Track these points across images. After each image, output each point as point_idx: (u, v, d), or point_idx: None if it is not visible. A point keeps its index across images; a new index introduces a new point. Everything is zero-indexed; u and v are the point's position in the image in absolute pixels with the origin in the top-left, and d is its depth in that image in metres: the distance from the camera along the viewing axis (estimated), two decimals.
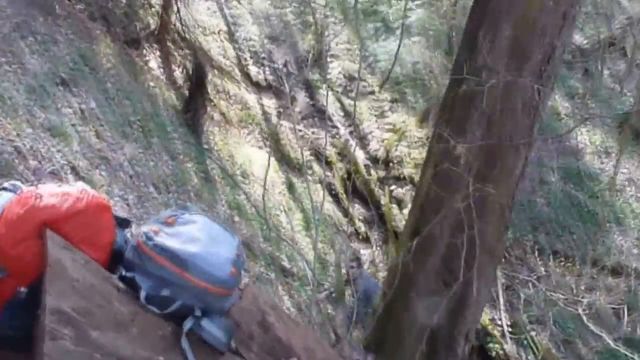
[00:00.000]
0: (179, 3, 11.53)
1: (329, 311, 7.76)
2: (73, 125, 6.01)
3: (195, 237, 2.18)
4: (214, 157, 9.46)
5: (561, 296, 10.38)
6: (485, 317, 10.73)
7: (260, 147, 11.89)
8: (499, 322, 10.85)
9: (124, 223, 2.39)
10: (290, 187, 11.28)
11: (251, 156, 11.08)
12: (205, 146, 9.68)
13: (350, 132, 13.98)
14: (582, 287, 11.05)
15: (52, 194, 2.06)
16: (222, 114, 11.54)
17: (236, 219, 8.27)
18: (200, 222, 2.28)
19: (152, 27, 11.65)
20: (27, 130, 4.49)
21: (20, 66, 6.13)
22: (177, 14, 11.59)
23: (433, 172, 4.60)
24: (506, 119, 4.23)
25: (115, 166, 5.99)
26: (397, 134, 13.98)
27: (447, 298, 4.57)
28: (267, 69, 14.53)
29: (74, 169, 4.48)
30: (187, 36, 12.12)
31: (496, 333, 10.68)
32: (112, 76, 8.71)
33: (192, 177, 8.15)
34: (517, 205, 12.63)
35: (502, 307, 10.95)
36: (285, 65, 14.97)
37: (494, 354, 10.42)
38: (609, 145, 13.87)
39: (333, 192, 12.52)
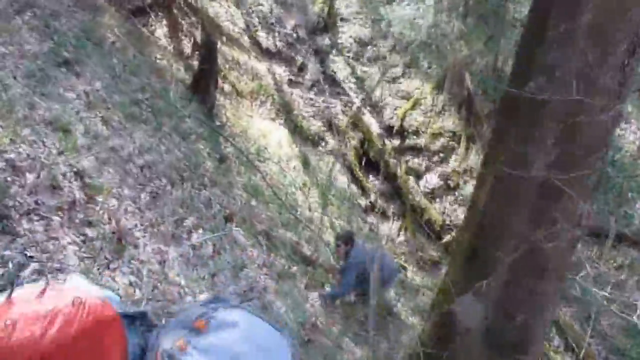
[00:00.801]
0: None
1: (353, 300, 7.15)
2: (77, 112, 5.29)
3: (237, 352, 1.49)
4: (226, 134, 8.75)
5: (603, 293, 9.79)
6: None
7: (273, 119, 11.17)
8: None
9: (138, 319, 1.71)
10: (305, 161, 10.58)
11: (264, 130, 10.38)
12: (218, 122, 8.97)
13: (362, 100, 13.19)
14: (611, 267, 10.45)
15: (30, 317, 1.36)
16: (233, 85, 10.80)
17: (253, 202, 7.60)
18: (240, 323, 1.59)
19: None
20: (24, 132, 3.78)
21: (18, 47, 5.38)
22: None
23: (492, 185, 3.85)
24: (581, 125, 3.46)
25: (125, 158, 5.29)
26: (411, 101, 13.21)
27: (509, 331, 3.88)
28: (276, 34, 13.67)
29: (77, 174, 3.77)
30: (195, 3, 11.26)
31: None
32: (118, 50, 7.96)
33: (206, 160, 7.47)
34: None
35: None
36: (294, 30, 14.11)
37: None
38: (627, 111, 13.09)
39: (346, 163, 11.84)
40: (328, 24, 14.57)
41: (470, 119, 12.76)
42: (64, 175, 3.66)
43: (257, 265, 5.71)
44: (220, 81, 9.31)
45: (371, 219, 11.37)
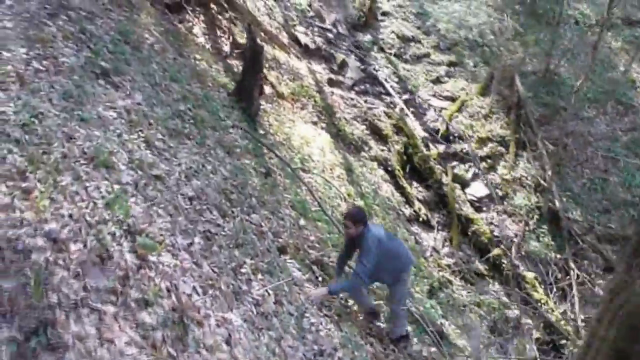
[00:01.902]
0: None
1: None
2: (119, 135, 4.62)
3: None
4: (269, 143, 8.07)
5: None
6: (556, 312, 9.45)
7: (314, 123, 10.45)
8: (572, 318, 9.54)
9: None
10: (349, 169, 9.86)
11: (307, 136, 9.66)
12: (261, 131, 8.27)
13: (405, 101, 12.42)
14: None
15: None
16: (273, 86, 10.08)
17: (302, 221, 6.92)
18: None
19: None
20: (64, 179, 3.11)
21: (53, 61, 4.71)
22: None
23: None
24: None
25: (172, 188, 4.63)
26: (457, 103, 12.41)
27: None
28: (315, 30, 12.91)
29: (127, 231, 3.10)
30: None
31: (569, 329, 9.39)
32: (157, 52, 7.28)
33: (252, 177, 6.78)
34: (587, 184, 11.25)
35: (575, 302, 9.61)
36: (334, 25, 13.34)
37: (566, 352, 9.17)
38: None
39: (389, 169, 11.10)
40: (369, 19, 13.78)
41: (520, 123, 11.94)
42: (112, 235, 2.99)
43: (316, 306, 5.02)
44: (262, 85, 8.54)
45: (415, 228, 10.62)
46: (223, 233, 4.70)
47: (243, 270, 4.22)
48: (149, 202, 3.98)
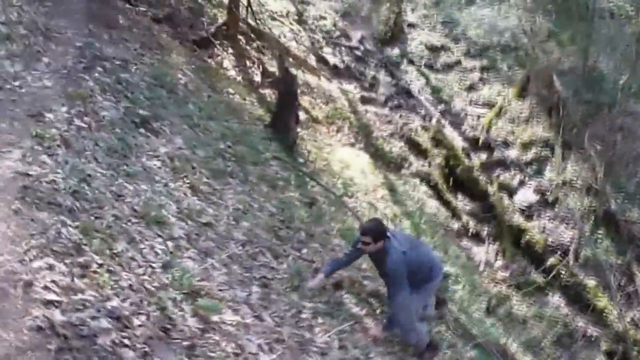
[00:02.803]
0: None
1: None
2: (165, 185, 4.58)
3: None
4: (310, 171, 7.98)
5: None
6: (623, 321, 9.07)
7: (352, 144, 10.36)
8: None
9: None
10: (391, 188, 9.71)
11: (346, 159, 9.57)
12: (301, 159, 8.20)
13: (441, 112, 12.23)
14: None
15: None
16: (307, 112, 10.02)
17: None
18: None
19: (220, 21, 10.10)
20: (119, 246, 3.05)
21: (94, 116, 4.72)
22: (246, 3, 10.00)
23: None
24: None
25: (223, 234, 4.57)
26: (495, 109, 12.17)
27: None
28: (342, 49, 12.84)
29: (187, 294, 3.00)
30: (258, 26, 10.53)
31: (639, 336, 9.02)
32: (191, 92, 7.30)
33: (298, 209, 6.69)
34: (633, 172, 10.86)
35: None
36: (361, 42, 13.26)
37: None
38: None
39: (432, 183, 10.90)
40: (395, 32, 13.67)
41: (563, 124, 11.62)
42: (173, 301, 2.91)
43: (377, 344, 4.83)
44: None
45: (465, 243, 10.39)
46: (278, 276, 4.61)
47: (303, 316, 4.10)
48: (203, 255, 3.90)
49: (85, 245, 2.90)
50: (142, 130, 5.32)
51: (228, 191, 5.66)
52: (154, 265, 3.19)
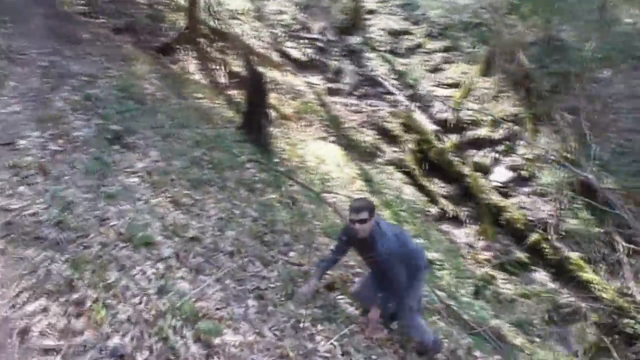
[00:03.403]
0: None
1: None
2: (146, 202, 4.46)
3: None
4: (285, 170, 7.90)
5: None
6: (610, 290, 9.21)
7: (324, 138, 10.29)
8: (629, 293, 9.29)
9: None
10: (368, 179, 9.69)
11: (320, 153, 9.51)
12: (276, 159, 8.11)
13: (409, 97, 12.22)
14: None
15: None
16: (276, 109, 9.92)
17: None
18: None
19: (181, 25, 9.92)
20: (112, 275, 2.97)
21: (67, 138, 4.61)
22: (205, 5, 9.84)
23: None
24: None
25: (210, 247, 4.48)
26: (462, 89, 12.20)
27: None
28: (304, 42, 12.73)
29: (186, 319, 2.93)
30: (219, 27, 10.38)
31: (627, 305, 9.14)
32: (160, 101, 7.16)
33: (279, 211, 6.60)
34: (616, 148, 11.00)
35: (629, 276, 9.37)
36: (322, 33, 13.16)
37: (631, 330, 8.92)
38: None
39: (406, 170, 10.90)
40: (355, 20, 13.59)
41: (532, 98, 11.72)
42: (174, 329, 2.82)
43: (378, 342, 4.79)
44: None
45: (445, 227, 10.42)
46: (272, 285, 4.54)
47: (303, 325, 4.04)
48: (194, 273, 3.82)
49: (77, 279, 2.79)
50: (116, 146, 5.19)
51: (209, 200, 5.56)
52: (149, 292, 3.10)
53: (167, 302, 3.11)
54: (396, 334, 4.78)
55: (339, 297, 5.36)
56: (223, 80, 9.81)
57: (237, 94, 9.59)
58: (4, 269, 2.59)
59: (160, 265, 3.53)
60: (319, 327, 4.26)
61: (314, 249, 6.31)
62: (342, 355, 4.02)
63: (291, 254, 5.72)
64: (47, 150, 4.18)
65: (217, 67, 10.00)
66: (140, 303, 2.98)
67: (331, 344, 4.00)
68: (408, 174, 10.87)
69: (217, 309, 3.49)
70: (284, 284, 4.70)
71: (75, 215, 3.42)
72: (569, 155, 10.73)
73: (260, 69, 8.08)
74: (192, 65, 9.54)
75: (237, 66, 10.33)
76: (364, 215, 4.30)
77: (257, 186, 6.86)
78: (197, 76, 9.40)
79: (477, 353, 6.46)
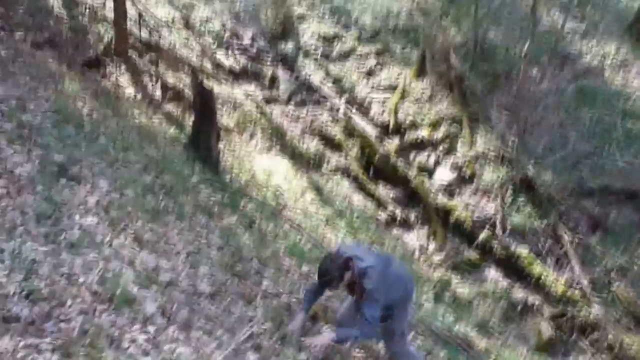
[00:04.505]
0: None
1: None
2: (110, 244, 3.81)
3: None
4: (236, 187, 7.34)
5: None
6: (560, 282, 9.18)
7: (269, 149, 9.74)
8: (577, 284, 9.28)
9: None
10: (318, 190, 9.23)
11: (267, 165, 8.98)
12: (227, 177, 7.50)
13: (346, 102, 11.84)
14: None
15: None
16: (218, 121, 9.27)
17: (304, 268, 6.19)
18: None
19: (108, 36, 9.10)
20: (107, 356, 2.31)
21: (10, 178, 3.85)
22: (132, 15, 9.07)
23: None
24: None
25: (189, 290, 3.87)
26: (398, 92, 11.95)
27: None
28: (235, 50, 12.11)
29: None
30: (150, 36, 9.62)
31: (577, 297, 9.14)
32: (98, 123, 6.44)
33: (241, 236, 6.05)
34: (548, 143, 11.07)
35: (576, 266, 9.38)
36: (253, 41, 12.57)
37: (580, 320, 8.92)
38: (624, 57, 12.23)
39: (353, 175, 10.54)
40: (286, 26, 13.06)
41: (466, 98, 11.63)
42: None
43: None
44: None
45: (395, 232, 10.13)
46: (263, 328, 3.99)
47: None
48: (185, 330, 3.22)
49: None
50: (63, 180, 4.47)
51: (171, 233, 4.93)
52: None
53: None
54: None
55: (324, 327, 4.89)
56: (158, 93, 9.07)
57: (174, 109, 8.90)
58: None
59: (150, 328, 2.92)
60: None
61: (285, 273, 5.81)
62: None
63: (265, 282, 5.22)
64: None
65: (150, 80, 9.23)
66: None
67: None
68: (355, 180, 10.50)
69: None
70: (273, 324, 4.17)
71: (42, 278, 2.77)
72: (507, 154, 10.69)
73: (207, 84, 7.43)
74: (123, 79, 8.74)
75: (171, 78, 9.62)
76: (331, 276, 4.03)
77: (214, 210, 6.27)
78: (130, 90, 8.63)
79: None
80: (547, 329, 9.01)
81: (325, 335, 4.18)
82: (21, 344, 2.16)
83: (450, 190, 10.78)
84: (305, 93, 12.11)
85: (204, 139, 6.96)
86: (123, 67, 8.93)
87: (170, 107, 8.92)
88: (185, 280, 4.03)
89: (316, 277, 4.20)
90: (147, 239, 4.43)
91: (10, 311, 2.34)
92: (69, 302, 2.69)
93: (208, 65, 11.00)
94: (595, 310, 8.91)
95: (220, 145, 7.48)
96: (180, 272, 4.16)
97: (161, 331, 3.00)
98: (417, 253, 9.82)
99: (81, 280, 3.09)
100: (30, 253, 2.95)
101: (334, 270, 3.98)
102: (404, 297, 4.38)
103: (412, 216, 10.42)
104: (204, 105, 6.77)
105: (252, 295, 4.60)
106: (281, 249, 6.36)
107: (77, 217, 3.98)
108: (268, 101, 11.43)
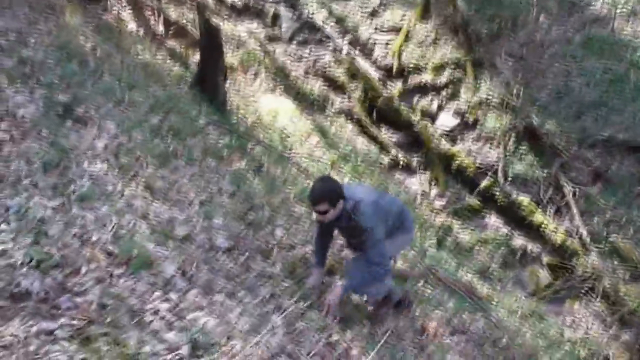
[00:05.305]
0: None
1: None
2: (122, 195, 3.43)
3: None
4: (242, 130, 6.92)
5: None
6: (560, 231, 8.95)
7: (273, 90, 9.24)
8: (577, 234, 9.06)
9: None
10: (322, 132, 8.82)
11: (272, 107, 8.51)
12: (234, 119, 7.05)
13: (349, 43, 11.28)
14: None
15: None
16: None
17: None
18: None
19: None
20: (125, 327, 2.02)
21: (13, 121, 3.42)
22: None
23: None
24: None
25: (206, 245, 3.52)
26: (402, 34, 11.35)
27: None
28: None
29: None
30: None
31: (576, 246, 8.93)
32: (102, 60, 5.91)
33: (251, 182, 5.66)
34: (553, 92, 10.64)
35: (576, 216, 9.13)
36: None
37: (579, 271, 8.75)
38: (633, 6, 11.64)
39: (357, 119, 10.11)
40: None
41: (471, 43, 11.07)
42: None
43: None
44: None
45: (398, 176, 9.79)
46: (283, 286, 3.67)
47: (334, 338, 3.22)
48: (207, 294, 2.87)
49: (95, 342, 1.81)
50: (69, 122, 4.04)
51: (183, 180, 4.54)
52: (179, 351, 2.15)
53: (205, 357, 2.17)
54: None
55: (338, 281, 4.57)
56: (160, 29, 8.47)
57: (178, 46, 8.33)
58: None
59: (172, 295, 2.56)
60: (348, 334, 3.46)
61: (296, 221, 5.47)
62: None
63: (278, 233, 4.87)
64: None
65: (152, 15, 8.61)
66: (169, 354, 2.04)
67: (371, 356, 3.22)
68: (358, 123, 10.07)
69: (251, 346, 2.59)
70: (292, 283, 3.84)
71: (53, 241, 2.39)
72: (511, 101, 10.25)
73: (216, 22, 6.87)
74: (125, 13, 8.13)
75: (173, 13, 9.01)
76: (323, 207, 3.57)
77: (222, 153, 5.86)
78: (133, 25, 8.04)
79: (465, 315, 5.97)
80: (544, 277, 8.86)
81: (336, 290, 3.75)
82: (33, 329, 1.79)
83: (452, 136, 10.39)
84: (308, 32, 11.48)
85: (210, 79, 6.48)
86: (124, 0, 8.28)
87: (173, 43, 8.34)
88: (201, 235, 3.68)
89: (310, 204, 3.78)
90: (159, 187, 4.06)
91: (19, 285, 1.97)
92: (83, 269, 2.32)
93: (210, 0, 10.31)
94: (593, 260, 8.72)
95: (227, 85, 6.98)
96: (195, 224, 3.80)
97: (183, 297, 2.66)
98: (419, 198, 9.49)
99: (94, 238, 2.72)
100: (38, 210, 2.56)
101: (327, 197, 3.56)
102: (400, 224, 4.02)
103: (414, 161, 10.04)
104: (210, 43, 6.25)
105: (268, 248, 4.26)
106: (290, 195, 6.00)
107: (85, 164, 3.58)
108: (270, 40, 10.82)
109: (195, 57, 7.52)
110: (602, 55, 10.88)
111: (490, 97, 10.46)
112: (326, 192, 3.60)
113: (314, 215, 3.78)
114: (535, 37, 10.83)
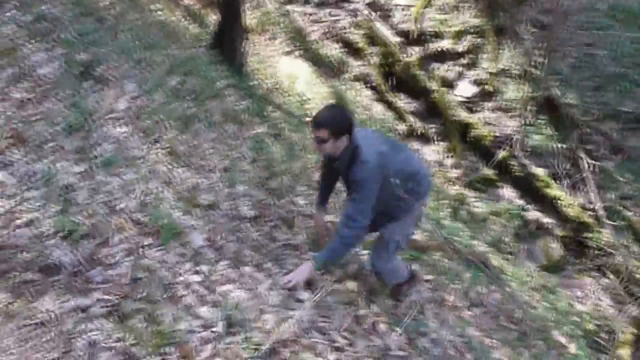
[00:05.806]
0: None
1: None
2: (145, 160, 3.31)
3: None
4: (261, 94, 6.76)
5: None
6: (575, 206, 8.80)
7: (289, 52, 9.03)
8: (592, 208, 8.91)
9: None
10: (340, 98, 8.64)
11: (290, 72, 8.31)
12: (252, 82, 6.89)
13: (368, 5, 10.97)
14: None
15: None
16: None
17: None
18: None
19: None
20: (164, 316, 1.90)
21: (32, 79, 3.29)
22: None
23: None
24: None
25: (231, 214, 3.43)
26: None
27: None
28: None
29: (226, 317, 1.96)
30: None
31: (590, 221, 8.79)
32: (120, 18, 5.71)
33: (271, 147, 5.52)
34: (576, 63, 10.38)
35: (592, 191, 8.97)
36: None
37: (594, 245, 8.63)
38: None
39: (374, 85, 9.88)
40: None
41: (493, 9, 10.76)
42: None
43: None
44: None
45: (414, 145, 9.60)
46: (308, 257, 3.55)
47: (361, 313, 3.13)
48: (237, 266, 2.78)
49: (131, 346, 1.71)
50: (89, 82, 3.92)
51: (205, 145, 4.43)
52: (214, 328, 2.05)
53: (240, 334, 2.08)
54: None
55: (364, 251, 4.46)
56: None
57: (194, 4, 8.10)
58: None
59: (204, 268, 2.47)
60: (374, 308, 3.37)
61: (315, 189, 5.35)
62: (410, 346, 3.17)
63: (300, 201, 4.74)
64: (11, 101, 2.89)
65: None
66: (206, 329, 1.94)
67: (400, 334, 3.14)
68: (374, 89, 9.86)
69: (282, 318, 2.50)
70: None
71: (80, 209, 2.29)
72: (532, 71, 10.00)
73: None
74: None
75: None
76: (323, 133, 3.07)
77: (242, 117, 5.71)
78: None
79: (479, 288, 5.90)
80: (557, 250, 8.76)
81: (303, 268, 3.10)
82: (67, 305, 1.69)
83: (470, 105, 10.16)
84: None
85: (228, 40, 6.29)
86: None
87: (190, 1, 8.11)
88: (226, 203, 3.57)
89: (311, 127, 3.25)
90: (182, 152, 3.95)
91: (50, 258, 1.86)
92: (112, 240, 2.22)
93: None
94: (606, 235, 8.59)
95: (245, 47, 6.79)
96: (219, 191, 3.70)
97: (212, 269, 2.56)
98: (434, 167, 9.33)
99: (122, 206, 2.61)
100: (64, 176, 2.45)
101: (327, 123, 3.10)
102: (418, 194, 3.43)
103: (431, 130, 9.84)
104: (229, 3, 6.04)
105: (291, 218, 4.15)
106: (310, 163, 5.87)
107: (107, 127, 3.47)
108: (289, 0, 10.54)
109: (213, 17, 7.30)
110: (628, 26, 10.57)
111: (510, 67, 10.21)
112: (331, 118, 3.12)
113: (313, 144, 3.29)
114: (559, 5, 10.50)
